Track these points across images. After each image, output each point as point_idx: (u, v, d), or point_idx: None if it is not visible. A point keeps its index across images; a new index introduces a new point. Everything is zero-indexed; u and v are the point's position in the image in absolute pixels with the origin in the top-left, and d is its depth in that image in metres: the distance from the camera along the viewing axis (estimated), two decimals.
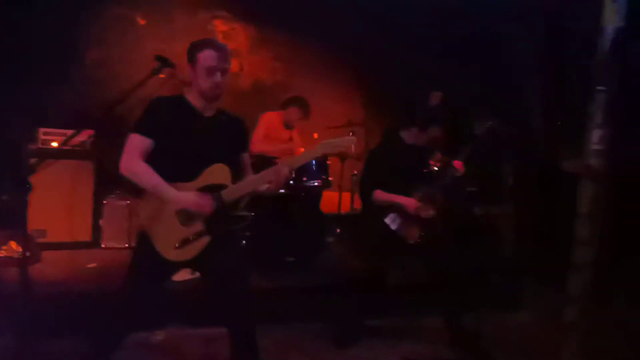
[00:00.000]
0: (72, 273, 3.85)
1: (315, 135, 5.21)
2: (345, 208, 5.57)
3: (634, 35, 2.70)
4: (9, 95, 4.40)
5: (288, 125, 4.89)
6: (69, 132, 4.25)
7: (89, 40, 5.25)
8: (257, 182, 2.49)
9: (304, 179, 4.30)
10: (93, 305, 3.00)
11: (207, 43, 2.46)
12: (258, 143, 4.74)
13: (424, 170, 3.49)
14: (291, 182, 4.29)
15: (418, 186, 3.34)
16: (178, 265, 2.57)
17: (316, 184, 4.34)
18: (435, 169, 3.57)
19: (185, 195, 2.37)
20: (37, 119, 4.60)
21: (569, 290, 2.80)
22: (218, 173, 2.44)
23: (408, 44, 5.76)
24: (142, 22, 5.59)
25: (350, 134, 5.17)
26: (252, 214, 3.76)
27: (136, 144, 2.39)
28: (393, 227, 3.31)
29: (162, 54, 2.57)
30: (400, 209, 3.30)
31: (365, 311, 3.52)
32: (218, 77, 2.43)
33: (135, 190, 2.51)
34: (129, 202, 4.67)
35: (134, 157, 2.37)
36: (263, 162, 4.26)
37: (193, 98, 2.51)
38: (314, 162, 4.35)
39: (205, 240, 2.40)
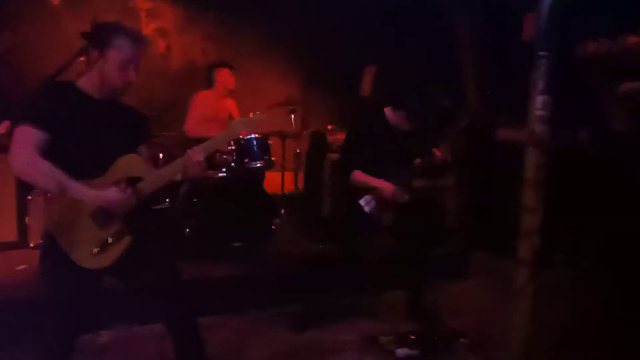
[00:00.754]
0: (2, 276, 3.55)
1: (252, 115, 5.05)
2: (289, 188, 5.48)
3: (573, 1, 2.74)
4: None
5: (225, 93, 4.77)
6: None
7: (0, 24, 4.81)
8: (173, 170, 2.28)
9: (246, 160, 4.17)
10: (27, 311, 2.77)
11: (124, 31, 2.18)
12: (194, 126, 4.56)
13: (407, 155, 3.40)
14: (232, 164, 4.15)
15: (397, 170, 3.28)
16: (102, 272, 2.22)
17: (259, 165, 4.21)
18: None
19: (105, 193, 2.09)
20: None
21: (518, 256, 2.87)
22: (129, 165, 2.21)
23: (345, 18, 5.66)
24: (55, 1, 5.17)
25: (292, 114, 5.08)
26: (168, 204, 3.58)
27: (30, 137, 2.02)
28: (366, 209, 3.25)
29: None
30: (377, 193, 3.24)
31: (322, 291, 3.47)
32: (132, 74, 2.19)
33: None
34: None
35: (29, 153, 2.00)
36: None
37: (86, 82, 2.21)
38: (255, 142, 4.22)
39: (127, 240, 2.18)
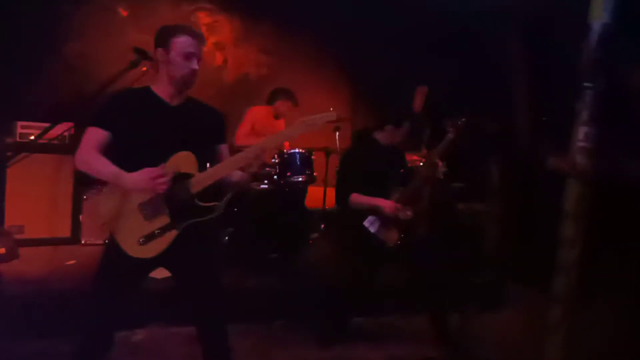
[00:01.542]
0: (51, 270, 3.77)
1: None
2: (331, 204, 5.52)
3: (621, 32, 2.67)
4: None
5: (278, 117, 4.84)
6: (48, 125, 4.14)
7: (69, 31, 5.13)
8: (226, 167, 2.34)
9: (288, 174, 4.25)
10: (73, 304, 2.92)
11: (183, 28, 2.35)
12: (243, 137, 4.69)
13: (401, 171, 3.44)
14: (275, 177, 4.24)
15: (396, 187, 3.29)
16: (149, 264, 2.36)
17: (300, 179, 4.29)
18: (420, 164, 3.52)
19: (137, 174, 2.21)
20: (15, 112, 4.49)
21: (554, 290, 2.79)
22: (182, 161, 2.29)
23: (395, 39, 5.71)
24: (124, 13, 5.48)
25: (337, 132, 5.14)
26: (221, 203, 3.69)
27: (92, 136, 2.28)
28: (372, 230, 3.26)
29: (145, 46, 2.49)
30: (379, 212, 3.25)
31: (349, 310, 3.48)
32: (195, 64, 2.32)
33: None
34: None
35: (89, 149, 2.26)
36: None
37: (159, 87, 2.37)
38: (297, 156, 4.30)
39: (172, 234, 2.26)
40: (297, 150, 4.28)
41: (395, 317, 3.80)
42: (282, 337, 3.46)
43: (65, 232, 4.50)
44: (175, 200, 2.26)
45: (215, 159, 2.46)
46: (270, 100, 4.88)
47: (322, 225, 5.01)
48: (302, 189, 4.59)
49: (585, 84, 2.63)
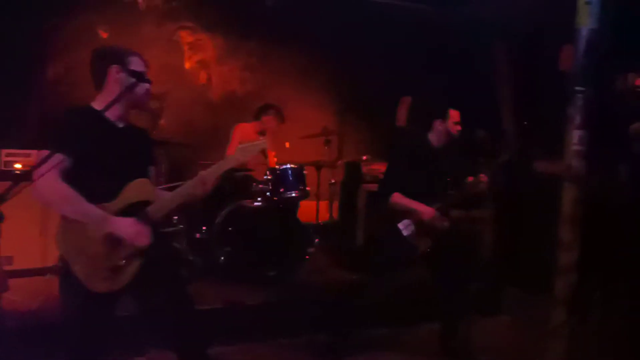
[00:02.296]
0: (42, 301, 3.66)
1: (287, 145, 5.16)
2: (324, 217, 5.51)
3: (608, 37, 2.72)
4: None
5: (264, 133, 4.83)
6: (33, 152, 4.06)
7: (51, 55, 5.06)
8: (183, 194, 2.28)
9: (281, 189, 4.23)
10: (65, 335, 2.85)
11: (130, 50, 2.31)
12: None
13: (448, 179, 3.33)
14: (268, 193, 4.22)
15: (438, 194, 3.23)
16: (113, 296, 2.22)
17: (294, 194, 4.27)
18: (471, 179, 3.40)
19: (124, 222, 2.12)
20: None
21: (556, 293, 2.80)
22: (140, 189, 2.22)
23: (382, 53, 5.75)
24: (104, 35, 5.42)
25: (326, 143, 5.15)
26: (182, 226, 3.64)
27: (58, 165, 2.05)
28: (405, 233, 3.20)
29: None
30: (416, 216, 3.19)
31: (353, 323, 3.45)
32: (148, 84, 2.29)
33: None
34: None
35: (51, 178, 2.04)
36: (235, 174, 4.25)
37: (101, 104, 2.24)
38: (290, 172, 4.29)
39: (137, 263, 2.17)
40: (289, 166, 4.27)
41: (399, 328, 3.79)
42: (284, 353, 3.42)
43: (55, 261, 4.38)
44: None
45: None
46: (256, 116, 4.89)
47: (317, 240, 4.99)
48: (295, 204, 4.58)
49: (577, 88, 2.66)
